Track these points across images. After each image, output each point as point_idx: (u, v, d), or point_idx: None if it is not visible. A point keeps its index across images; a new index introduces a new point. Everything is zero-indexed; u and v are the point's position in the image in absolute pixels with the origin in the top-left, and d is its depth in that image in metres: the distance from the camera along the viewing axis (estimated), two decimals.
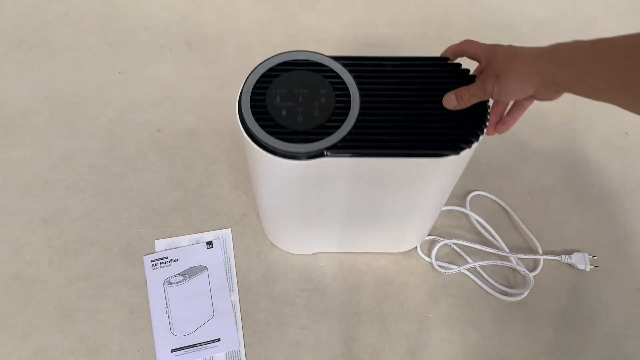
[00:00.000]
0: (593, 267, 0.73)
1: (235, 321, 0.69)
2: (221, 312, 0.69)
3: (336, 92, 0.51)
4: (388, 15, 0.98)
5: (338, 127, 0.49)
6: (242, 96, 0.51)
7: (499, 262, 0.72)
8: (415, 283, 0.73)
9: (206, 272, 0.72)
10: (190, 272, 0.72)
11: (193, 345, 0.67)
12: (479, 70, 0.54)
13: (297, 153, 0.49)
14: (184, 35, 0.95)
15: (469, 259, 0.73)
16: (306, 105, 0.50)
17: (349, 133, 0.49)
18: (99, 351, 0.67)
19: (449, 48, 0.56)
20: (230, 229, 0.75)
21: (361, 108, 0.51)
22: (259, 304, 0.70)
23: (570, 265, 0.74)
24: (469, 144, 0.50)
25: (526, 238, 0.76)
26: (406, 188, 0.56)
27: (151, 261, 0.72)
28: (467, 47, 0.53)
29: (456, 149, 0.50)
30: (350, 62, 0.53)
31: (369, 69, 0.53)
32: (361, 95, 0.51)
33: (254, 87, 0.51)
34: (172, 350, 0.67)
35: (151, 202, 0.77)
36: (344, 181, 0.54)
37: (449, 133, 0.50)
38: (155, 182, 0.79)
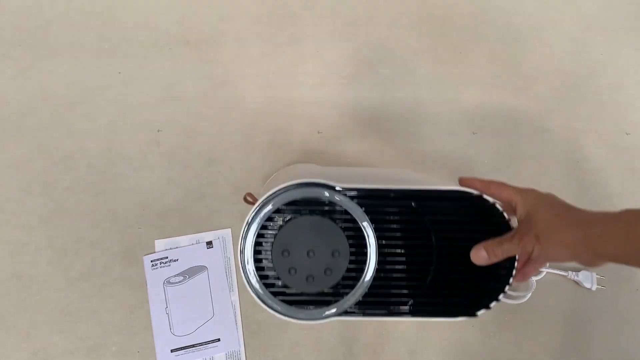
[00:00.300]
0: (600, 287, 0.72)
1: (235, 321, 0.69)
2: (221, 312, 0.69)
3: (350, 243, 0.45)
4: (388, 15, 0.98)
5: (352, 287, 0.44)
6: (245, 247, 0.46)
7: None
8: None
9: (206, 272, 0.72)
10: (190, 272, 0.72)
11: (193, 345, 0.67)
12: (507, 208, 0.49)
13: (302, 318, 0.45)
14: (184, 35, 0.94)
15: None
16: (316, 263, 0.45)
17: (364, 296, 0.45)
18: (99, 351, 0.67)
19: (473, 181, 0.49)
20: (230, 229, 0.75)
21: (378, 263, 0.45)
22: (259, 304, 0.70)
23: (576, 282, 0.73)
24: (487, 307, 0.46)
25: None
26: None
27: (151, 261, 0.72)
28: (499, 192, 0.48)
29: (472, 313, 0.46)
30: (368, 202, 0.45)
31: (388, 211, 0.46)
32: (378, 247, 0.45)
33: (257, 236, 0.46)
34: (172, 350, 0.67)
35: (151, 202, 0.77)
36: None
37: (466, 294, 0.46)
38: (155, 182, 0.79)
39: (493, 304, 0.47)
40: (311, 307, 0.45)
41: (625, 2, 1.00)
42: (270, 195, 0.46)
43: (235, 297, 0.70)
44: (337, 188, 0.45)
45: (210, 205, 0.77)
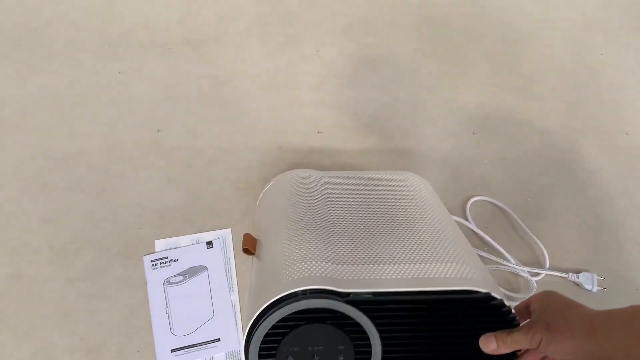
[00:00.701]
0: (601, 288, 0.72)
1: (235, 321, 0.69)
2: (221, 312, 0.69)
3: (355, 344, 0.45)
4: (388, 15, 0.98)
5: None
6: (250, 354, 0.45)
7: (502, 267, 0.72)
8: None
9: (206, 272, 0.72)
10: (190, 272, 0.72)
11: (193, 345, 0.67)
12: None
13: None
14: (184, 35, 0.95)
15: None
16: None
17: None
18: (99, 351, 0.67)
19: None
20: (230, 229, 0.75)
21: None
22: None
23: (576, 284, 0.73)
24: None
25: (535, 250, 0.75)
26: None
27: (151, 261, 0.72)
28: (518, 308, 0.49)
29: None
30: (373, 308, 0.45)
31: (394, 314, 0.45)
32: (383, 353, 0.45)
33: (262, 344, 0.45)
34: (172, 350, 0.67)
35: (151, 202, 0.77)
36: None
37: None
38: (155, 182, 0.79)
39: None
40: None
41: (625, 2, 1.00)
42: (274, 305, 0.45)
43: (235, 297, 0.70)
44: (344, 293, 0.44)
45: (210, 205, 0.77)
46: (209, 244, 0.74)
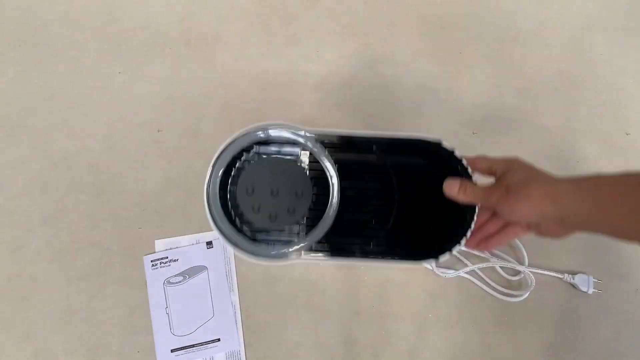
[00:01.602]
0: (596, 290, 0.72)
1: (235, 321, 0.69)
2: (221, 312, 0.69)
3: (315, 184, 0.46)
4: (388, 15, 0.98)
5: (313, 226, 0.45)
6: (211, 184, 0.47)
7: (498, 264, 0.72)
8: (415, 283, 0.73)
9: (206, 272, 0.72)
10: (190, 272, 0.72)
11: (193, 345, 0.67)
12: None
13: (265, 256, 0.45)
14: (184, 35, 0.94)
15: (468, 262, 0.73)
16: (280, 202, 0.46)
17: (325, 235, 0.45)
18: (99, 351, 0.67)
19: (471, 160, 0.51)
20: None
21: (340, 204, 0.46)
22: (259, 304, 0.70)
23: (572, 285, 0.73)
24: (449, 251, 0.47)
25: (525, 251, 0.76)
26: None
27: (151, 261, 0.72)
28: (480, 163, 0.49)
29: (435, 256, 0.47)
30: (334, 144, 0.46)
31: (353, 159, 0.47)
32: (341, 190, 0.46)
33: (224, 174, 0.47)
34: (172, 350, 0.67)
35: (151, 202, 0.77)
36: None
37: (429, 239, 0.47)
38: (155, 182, 0.79)
39: (455, 249, 0.47)
40: (276, 245, 0.45)
41: (625, 2, 1.00)
42: (237, 136, 0.47)
43: (235, 297, 0.70)
44: (301, 132, 0.46)
45: None
46: (209, 244, 0.74)
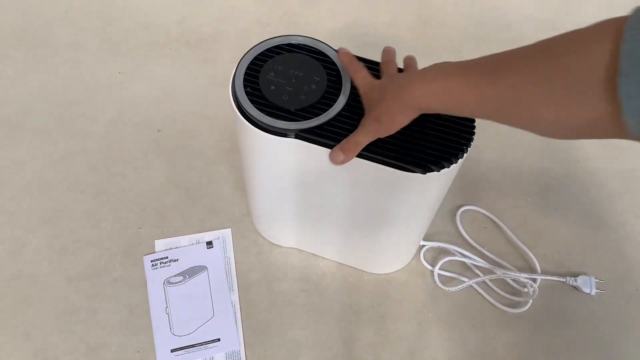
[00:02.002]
0: (599, 290, 0.72)
1: (235, 321, 0.69)
2: (221, 312, 0.69)
3: (329, 79, 0.52)
4: (388, 15, 0.98)
5: (324, 111, 0.50)
6: (237, 71, 0.53)
7: (502, 275, 0.71)
8: (415, 283, 0.73)
9: (206, 272, 0.72)
10: (190, 272, 0.72)
11: (193, 345, 0.67)
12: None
13: (280, 129, 0.49)
14: (184, 35, 0.95)
15: (475, 271, 0.73)
16: (298, 87, 0.51)
17: (331, 120, 0.50)
18: (99, 351, 0.67)
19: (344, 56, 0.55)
20: (230, 229, 0.75)
21: (349, 99, 0.51)
22: (259, 304, 0.70)
23: (575, 287, 0.73)
24: (451, 162, 0.49)
25: (526, 258, 0.75)
26: (386, 195, 0.55)
27: (151, 261, 0.72)
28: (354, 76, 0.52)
29: (428, 168, 0.48)
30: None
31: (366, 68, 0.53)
32: (352, 88, 0.52)
33: (250, 64, 0.53)
34: (172, 350, 0.67)
35: (151, 202, 0.77)
36: (326, 175, 0.54)
37: (433, 147, 0.49)
38: (155, 182, 0.79)
39: (460, 160, 0.50)
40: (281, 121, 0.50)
41: (625, 2, 1.00)
42: (264, 40, 0.54)
43: (235, 297, 0.70)
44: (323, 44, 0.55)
45: (210, 205, 0.77)
46: (209, 244, 0.74)
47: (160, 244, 0.74)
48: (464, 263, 0.73)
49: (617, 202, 0.80)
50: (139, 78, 0.89)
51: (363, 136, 0.48)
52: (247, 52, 0.53)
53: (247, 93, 0.52)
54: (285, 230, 0.70)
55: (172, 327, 0.68)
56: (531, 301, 0.70)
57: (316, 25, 0.97)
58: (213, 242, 0.74)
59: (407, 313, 0.70)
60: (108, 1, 0.98)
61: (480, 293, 0.72)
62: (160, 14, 0.97)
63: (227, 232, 0.75)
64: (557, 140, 0.86)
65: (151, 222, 0.75)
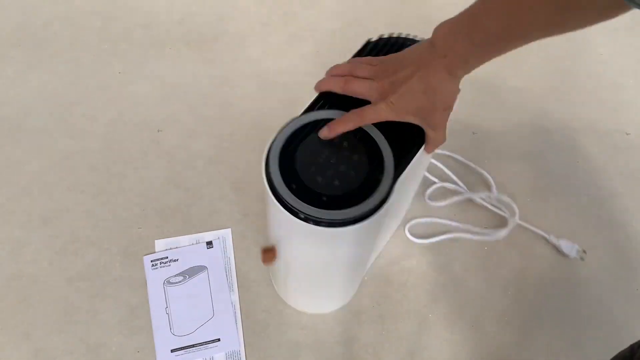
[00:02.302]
0: (577, 257, 0.74)
1: (235, 321, 0.69)
2: (221, 312, 0.69)
3: (369, 158, 0.47)
4: (388, 15, 0.98)
5: (371, 194, 0.46)
6: (271, 152, 0.48)
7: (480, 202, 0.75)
8: (415, 283, 0.73)
9: (206, 272, 0.72)
10: (190, 272, 0.72)
11: (193, 345, 0.67)
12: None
13: (328, 220, 0.45)
14: (184, 35, 0.95)
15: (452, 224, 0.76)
16: (338, 169, 0.46)
17: (371, 210, 0.45)
18: (99, 351, 0.67)
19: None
20: (230, 229, 0.75)
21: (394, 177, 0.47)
22: (259, 304, 0.70)
23: (555, 246, 0.75)
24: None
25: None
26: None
27: (151, 261, 0.72)
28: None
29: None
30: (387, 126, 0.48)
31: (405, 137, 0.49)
32: (395, 162, 0.48)
33: (284, 144, 0.48)
34: (172, 350, 0.67)
35: (151, 202, 0.77)
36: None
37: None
38: (155, 182, 0.79)
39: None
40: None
41: None
42: (303, 113, 0.50)
43: (235, 297, 0.70)
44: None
45: (210, 205, 0.77)
46: (209, 244, 0.74)
47: (160, 244, 0.74)
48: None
49: (617, 202, 0.80)
50: (139, 78, 0.89)
51: (358, 117, 0.46)
52: (281, 129, 0.49)
53: (282, 176, 0.47)
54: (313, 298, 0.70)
55: (172, 327, 0.68)
56: (508, 231, 0.73)
57: (316, 25, 0.97)
58: (213, 242, 0.74)
59: (407, 313, 0.70)
60: (108, 1, 0.98)
61: (461, 236, 0.75)
62: (160, 13, 0.97)
63: (227, 232, 0.75)
64: (557, 141, 0.86)
65: (151, 222, 0.75)
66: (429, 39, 0.45)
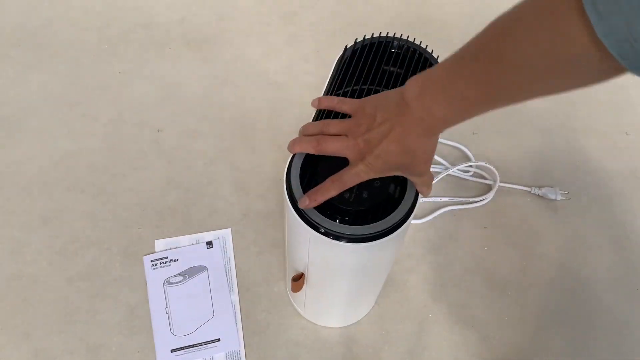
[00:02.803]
0: (563, 199, 0.78)
1: (235, 321, 0.69)
2: (221, 312, 0.69)
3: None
4: (388, 15, 0.98)
5: (395, 209, 0.46)
6: (292, 169, 0.48)
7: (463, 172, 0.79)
8: (415, 283, 0.73)
9: (206, 272, 0.72)
10: (190, 272, 0.72)
11: (193, 345, 0.67)
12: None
13: (349, 235, 0.45)
14: (184, 35, 0.94)
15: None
16: (361, 183, 0.45)
17: (395, 224, 0.45)
18: (99, 351, 0.67)
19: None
20: (230, 229, 0.75)
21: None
22: (259, 304, 0.70)
23: (540, 196, 0.79)
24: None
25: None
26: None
27: (151, 261, 0.72)
28: (341, 106, 0.48)
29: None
30: None
31: None
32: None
33: (303, 162, 0.48)
34: (172, 350, 0.67)
35: (151, 202, 0.77)
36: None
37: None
38: (155, 182, 0.79)
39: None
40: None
41: None
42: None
43: (235, 297, 0.70)
44: None
45: (210, 205, 0.77)
46: (209, 244, 0.74)
47: (160, 244, 0.74)
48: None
49: (617, 202, 0.80)
50: (139, 78, 0.89)
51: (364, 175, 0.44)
52: (291, 158, 0.49)
53: (303, 189, 0.46)
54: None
55: (172, 327, 0.68)
56: (492, 195, 0.77)
57: (316, 25, 0.97)
58: (213, 242, 0.74)
59: (407, 313, 0.70)
60: (108, 1, 0.98)
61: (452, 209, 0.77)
62: (160, 14, 0.97)
63: (227, 232, 0.75)
64: (557, 141, 0.86)
65: (151, 222, 0.75)
66: (400, 90, 0.42)
